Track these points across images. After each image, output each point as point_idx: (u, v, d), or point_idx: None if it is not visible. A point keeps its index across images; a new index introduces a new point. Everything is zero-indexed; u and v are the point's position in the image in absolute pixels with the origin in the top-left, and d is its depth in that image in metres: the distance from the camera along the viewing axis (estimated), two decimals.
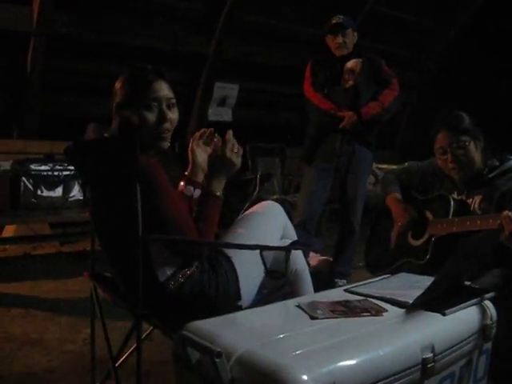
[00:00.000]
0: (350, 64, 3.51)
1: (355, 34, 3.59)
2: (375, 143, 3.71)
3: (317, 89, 3.56)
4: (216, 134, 1.98)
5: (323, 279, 3.51)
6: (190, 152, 1.95)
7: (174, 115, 1.85)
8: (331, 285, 3.47)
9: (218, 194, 1.88)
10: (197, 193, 1.90)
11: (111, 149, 1.76)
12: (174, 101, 1.86)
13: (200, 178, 1.93)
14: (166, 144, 1.87)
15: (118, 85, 1.85)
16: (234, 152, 1.93)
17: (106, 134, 1.85)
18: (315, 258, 3.71)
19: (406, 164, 2.72)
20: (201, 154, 1.95)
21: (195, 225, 1.78)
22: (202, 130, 1.99)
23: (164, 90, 1.83)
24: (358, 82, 3.49)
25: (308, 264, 2.83)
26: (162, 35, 5.09)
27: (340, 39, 3.51)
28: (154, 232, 1.69)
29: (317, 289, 2.17)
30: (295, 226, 3.27)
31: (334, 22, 3.55)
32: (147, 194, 1.66)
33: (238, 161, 1.93)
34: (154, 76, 1.82)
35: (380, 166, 5.70)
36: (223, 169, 1.92)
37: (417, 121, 7.18)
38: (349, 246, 3.65)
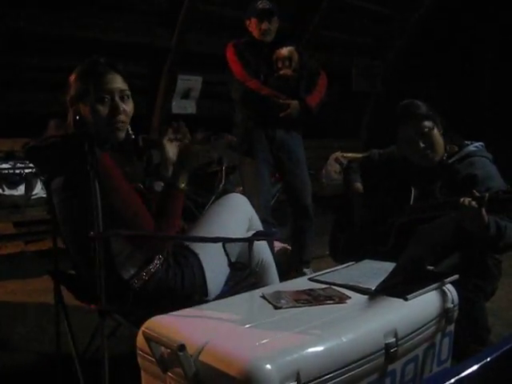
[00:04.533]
0: (285, 52, 3.42)
1: (277, 20, 3.53)
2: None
3: (251, 75, 3.45)
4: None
5: (285, 268, 3.50)
6: (161, 147, 1.96)
7: (128, 107, 1.84)
8: (296, 273, 3.46)
9: (183, 186, 1.86)
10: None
11: (68, 146, 1.74)
12: (128, 93, 1.85)
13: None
14: (121, 135, 1.85)
15: (71, 78, 1.83)
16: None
17: (61, 131, 1.83)
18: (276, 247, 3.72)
19: (368, 153, 2.75)
20: (172, 149, 1.96)
21: (156, 220, 1.77)
22: (176, 125, 1.99)
23: (116, 82, 1.82)
24: (297, 70, 3.44)
25: (274, 255, 2.85)
26: (123, 28, 5.02)
27: (266, 25, 3.44)
28: (110, 228, 1.67)
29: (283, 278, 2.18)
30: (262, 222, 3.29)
31: (261, 6, 3.45)
32: (99, 190, 1.66)
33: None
34: (105, 68, 1.81)
35: (345, 154, 5.73)
36: (189, 162, 1.90)
37: (381, 109, 7.25)
38: (308, 233, 3.63)
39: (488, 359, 0.84)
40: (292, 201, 3.69)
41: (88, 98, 1.78)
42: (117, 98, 1.80)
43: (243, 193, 3.57)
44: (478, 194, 1.94)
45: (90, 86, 1.78)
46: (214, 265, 1.93)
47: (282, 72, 3.43)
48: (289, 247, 3.81)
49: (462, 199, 1.98)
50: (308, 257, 3.66)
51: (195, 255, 1.92)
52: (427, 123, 2.31)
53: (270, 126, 3.51)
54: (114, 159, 1.77)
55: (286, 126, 3.52)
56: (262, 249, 2.14)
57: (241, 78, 3.46)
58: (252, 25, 3.50)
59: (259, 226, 2.23)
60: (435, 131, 2.32)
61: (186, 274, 1.86)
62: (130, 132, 1.89)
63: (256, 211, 3.44)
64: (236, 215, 2.12)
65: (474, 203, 1.92)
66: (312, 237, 3.65)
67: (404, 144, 2.38)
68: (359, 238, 2.54)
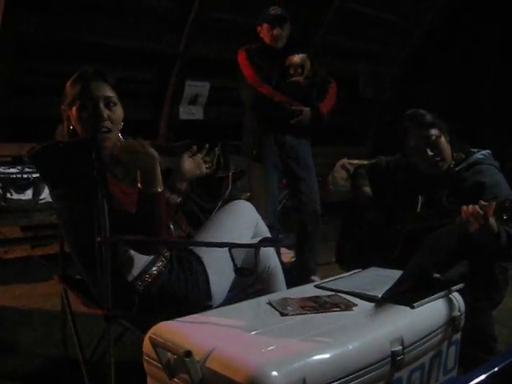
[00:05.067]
0: (297, 59, 3.41)
1: (289, 27, 3.53)
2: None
3: (263, 80, 3.43)
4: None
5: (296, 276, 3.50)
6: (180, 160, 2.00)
7: (114, 114, 1.87)
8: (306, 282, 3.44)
9: (160, 190, 1.76)
10: (173, 198, 1.95)
11: (74, 152, 1.76)
12: (114, 100, 1.88)
13: (182, 186, 1.99)
14: (107, 141, 1.85)
15: (66, 87, 1.88)
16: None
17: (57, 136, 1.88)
18: (287, 255, 3.71)
19: (375, 160, 2.75)
20: (189, 163, 2.01)
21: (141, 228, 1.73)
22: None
23: (102, 89, 1.85)
24: (309, 78, 3.43)
25: (281, 261, 2.84)
26: (131, 34, 5.05)
27: (278, 31, 3.44)
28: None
29: (290, 285, 2.18)
30: (268, 228, 3.28)
31: (273, 12, 3.46)
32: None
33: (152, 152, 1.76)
34: (92, 76, 1.85)
35: (352, 161, 5.73)
36: (141, 162, 1.75)
37: (388, 116, 7.24)
38: (316, 240, 3.60)
39: (496, 369, 0.84)
40: (300, 207, 3.65)
41: (74, 105, 1.83)
42: (101, 105, 1.83)
43: (250, 198, 3.56)
44: (484, 203, 1.93)
45: (76, 93, 1.82)
46: (219, 270, 1.94)
47: (293, 79, 3.42)
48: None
49: (469, 208, 1.96)
50: (316, 264, 3.64)
51: (199, 259, 1.93)
52: (434, 131, 2.32)
53: (280, 131, 3.50)
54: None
55: (296, 133, 3.52)
56: (269, 255, 2.14)
57: (253, 82, 3.45)
58: (264, 31, 3.50)
59: (266, 233, 2.23)
60: (442, 139, 2.32)
61: (189, 277, 1.87)
62: (121, 138, 1.92)
63: (263, 217, 3.43)
64: (241, 221, 2.13)
65: (481, 212, 1.91)
66: (318, 244, 3.62)
67: (413, 153, 2.38)
68: (365, 246, 2.53)
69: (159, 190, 1.75)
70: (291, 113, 3.41)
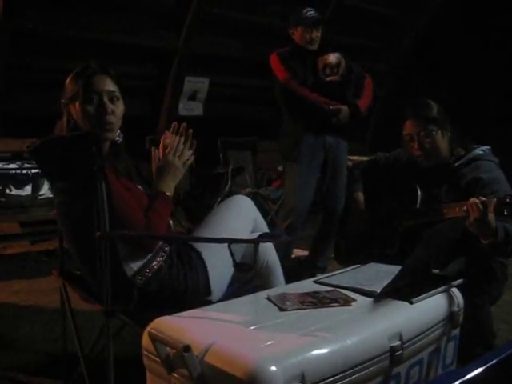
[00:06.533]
0: (333, 59, 3.37)
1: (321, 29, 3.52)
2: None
3: (299, 82, 3.42)
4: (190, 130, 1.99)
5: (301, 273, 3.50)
6: (161, 148, 1.98)
7: (117, 108, 1.87)
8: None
9: (168, 194, 1.90)
10: None
11: (74, 146, 1.76)
12: (117, 94, 1.88)
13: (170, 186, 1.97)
14: (110, 136, 1.88)
15: (66, 81, 1.88)
16: (177, 156, 1.93)
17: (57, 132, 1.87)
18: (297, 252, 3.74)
19: (375, 156, 2.75)
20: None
21: (146, 215, 1.79)
22: (173, 124, 1.99)
23: (105, 83, 1.85)
24: (344, 76, 3.41)
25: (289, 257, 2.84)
26: (131, 30, 5.04)
27: (315, 34, 3.44)
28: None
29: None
30: (286, 229, 3.29)
31: (308, 15, 3.44)
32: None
33: (180, 165, 1.93)
34: (95, 70, 1.85)
35: (351, 157, 5.73)
36: (167, 173, 1.92)
37: (387, 113, 7.23)
38: (331, 240, 3.55)
39: (493, 362, 0.84)
40: (325, 206, 3.68)
41: (78, 99, 1.82)
42: (105, 99, 1.83)
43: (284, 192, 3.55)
44: (483, 199, 1.93)
45: (79, 87, 1.82)
46: (218, 265, 1.94)
47: (329, 78, 3.39)
48: (305, 253, 3.80)
49: (469, 202, 1.97)
50: (325, 263, 3.66)
51: (199, 254, 1.93)
52: (431, 126, 2.31)
53: (320, 132, 3.49)
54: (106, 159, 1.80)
55: (336, 133, 3.52)
56: (267, 250, 2.13)
57: (288, 85, 3.43)
58: (298, 33, 3.48)
59: (264, 228, 2.23)
60: (438, 136, 2.32)
61: (188, 272, 1.87)
62: (120, 134, 1.93)
63: (287, 215, 3.43)
64: (240, 216, 2.13)
65: (481, 207, 1.91)
66: (332, 244, 3.60)
67: (404, 139, 2.39)
68: (357, 244, 2.54)
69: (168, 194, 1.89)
70: (330, 113, 3.40)
